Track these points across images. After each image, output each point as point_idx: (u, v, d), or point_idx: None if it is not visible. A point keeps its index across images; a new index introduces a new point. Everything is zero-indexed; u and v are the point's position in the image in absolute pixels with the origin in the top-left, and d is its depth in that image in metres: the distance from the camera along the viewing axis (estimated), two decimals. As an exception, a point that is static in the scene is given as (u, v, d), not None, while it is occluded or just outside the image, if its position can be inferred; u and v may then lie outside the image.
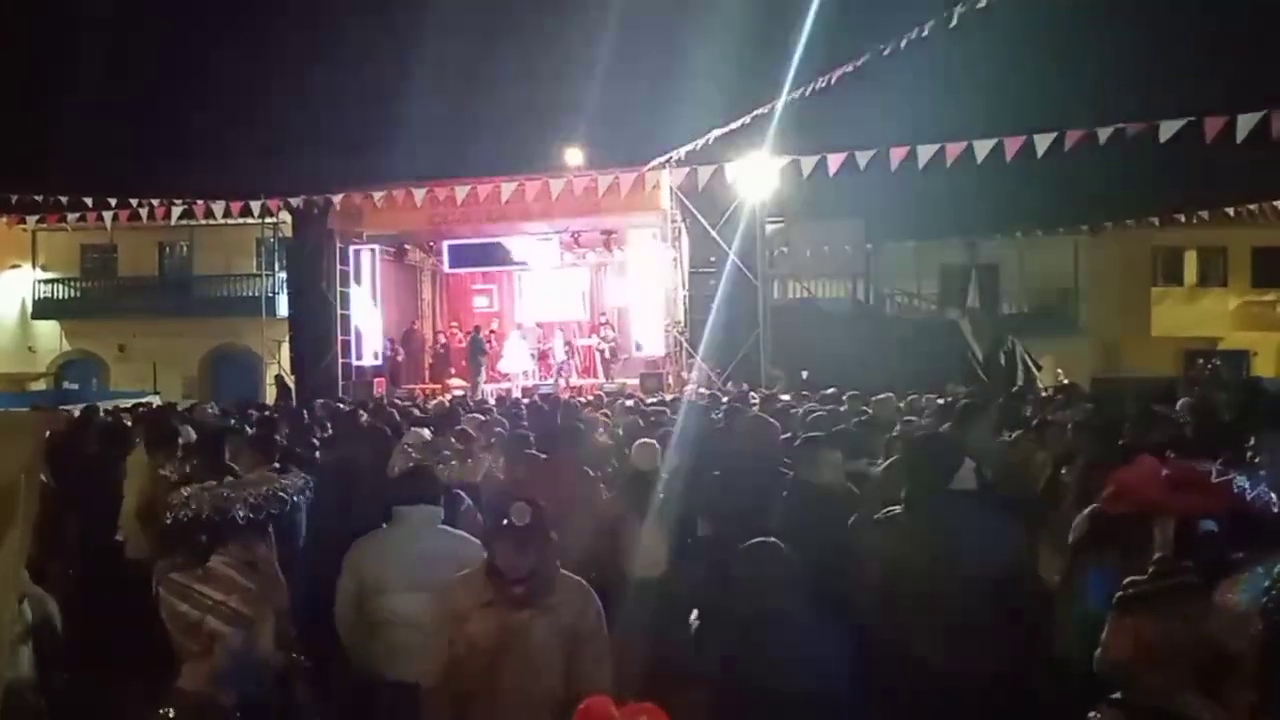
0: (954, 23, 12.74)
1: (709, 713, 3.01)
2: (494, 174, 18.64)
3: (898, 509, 3.81)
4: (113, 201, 19.64)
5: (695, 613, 3.48)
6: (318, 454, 6.66)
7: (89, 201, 19.76)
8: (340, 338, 19.64)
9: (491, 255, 21.44)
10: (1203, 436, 5.43)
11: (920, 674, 3.41)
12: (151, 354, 27.11)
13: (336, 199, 18.92)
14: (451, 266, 22.22)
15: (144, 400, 14.98)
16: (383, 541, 4.12)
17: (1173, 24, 22.36)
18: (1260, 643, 1.92)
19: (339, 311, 19.65)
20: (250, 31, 26.05)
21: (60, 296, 29.85)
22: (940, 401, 9.35)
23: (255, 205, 19.57)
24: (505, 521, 3.24)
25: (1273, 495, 2.94)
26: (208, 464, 5.19)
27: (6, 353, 28.98)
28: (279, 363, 21.25)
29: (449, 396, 17.15)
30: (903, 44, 13.56)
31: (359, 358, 20.34)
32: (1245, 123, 12.82)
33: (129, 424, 8.65)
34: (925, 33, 13.23)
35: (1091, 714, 2.13)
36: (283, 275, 23.06)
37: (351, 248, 20.14)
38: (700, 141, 16.65)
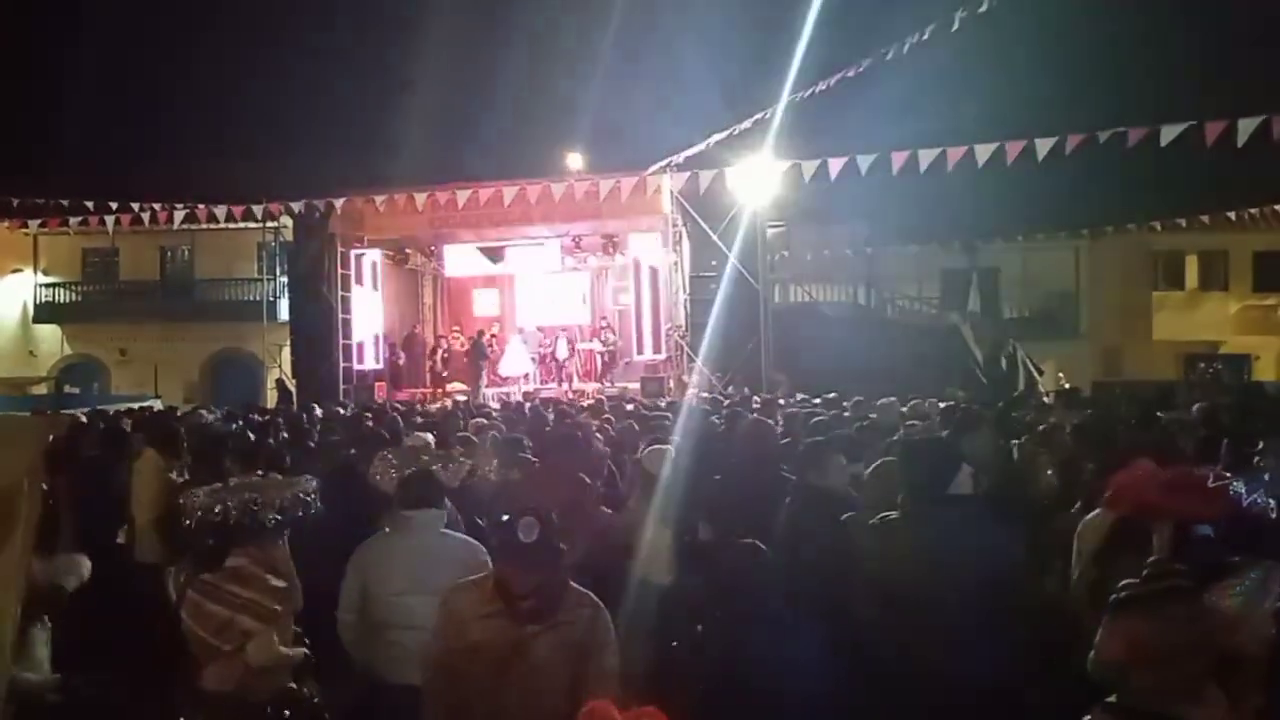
0: (955, 27, 12.78)
1: (707, 714, 3.01)
2: (495, 178, 18.64)
3: (894, 514, 3.82)
4: (114, 205, 19.67)
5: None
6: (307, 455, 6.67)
7: (90, 205, 19.80)
8: (341, 342, 19.67)
9: (492, 259, 21.47)
10: (1211, 442, 5.41)
11: (917, 679, 3.41)
12: (153, 358, 27.12)
13: (338, 203, 18.94)
14: (452, 271, 22.21)
15: (145, 404, 15.01)
16: (387, 545, 4.14)
17: (1174, 28, 22.40)
18: (1273, 645, 1.94)
19: (340, 315, 19.67)
20: (252, 36, 26.11)
21: (61, 300, 29.87)
22: (943, 406, 9.35)
23: (257, 209, 19.63)
24: (512, 537, 3.07)
25: (1270, 500, 2.96)
26: (211, 469, 5.23)
27: (7, 356, 29.01)
28: (280, 367, 21.26)
29: (449, 401, 17.16)
30: (904, 48, 13.60)
31: (360, 362, 20.37)
32: (1246, 127, 12.84)
33: (127, 428, 8.68)
34: (926, 37, 13.27)
35: (1086, 718, 2.14)
36: (284, 279, 23.08)
37: (353, 252, 20.17)
38: (701, 146, 16.69)
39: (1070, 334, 27.23)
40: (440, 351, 21.70)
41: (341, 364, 19.57)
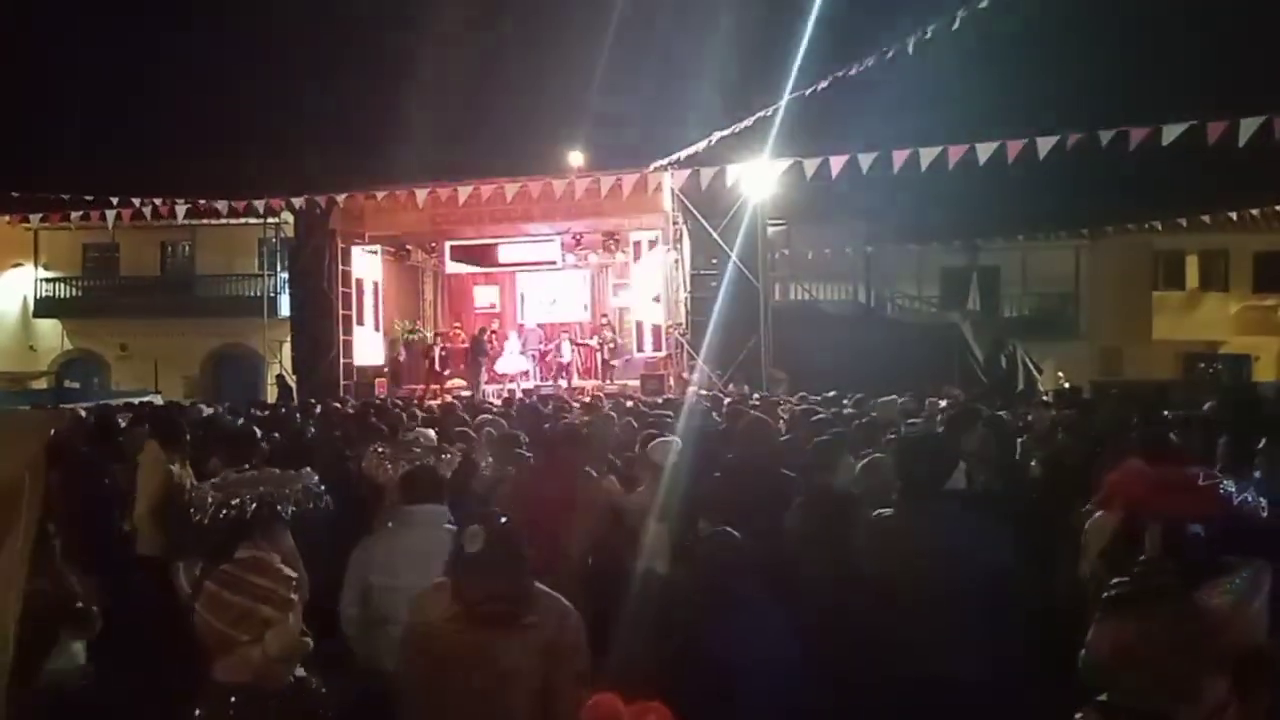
0: (956, 25, 12.77)
1: (666, 695, 3.03)
2: (496, 175, 18.65)
3: (888, 511, 3.84)
4: (115, 200, 19.65)
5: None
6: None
7: (91, 200, 19.80)
8: (342, 338, 19.69)
9: (493, 256, 21.49)
10: (1210, 442, 5.42)
11: (913, 674, 3.43)
12: (153, 353, 27.11)
13: (339, 199, 18.96)
14: (452, 267, 22.23)
15: (146, 399, 15.01)
16: (390, 539, 4.20)
17: (1175, 27, 22.38)
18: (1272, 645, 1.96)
19: (340, 311, 19.69)
20: (253, 31, 26.06)
21: (62, 295, 29.91)
22: (943, 404, 9.38)
23: (258, 205, 19.61)
24: (458, 547, 3.03)
25: (1261, 500, 2.97)
26: (216, 462, 5.29)
27: (8, 351, 29.04)
28: (280, 362, 21.29)
29: (450, 397, 17.17)
30: (906, 46, 13.59)
31: (360, 358, 20.39)
32: (1247, 126, 12.85)
33: (124, 423, 8.72)
34: (928, 35, 13.26)
35: (1077, 715, 2.16)
36: (284, 275, 23.11)
37: (353, 248, 20.19)
38: (702, 143, 16.68)
39: (1070, 334, 27.24)
40: (442, 349, 21.69)
41: (342, 360, 19.61)
